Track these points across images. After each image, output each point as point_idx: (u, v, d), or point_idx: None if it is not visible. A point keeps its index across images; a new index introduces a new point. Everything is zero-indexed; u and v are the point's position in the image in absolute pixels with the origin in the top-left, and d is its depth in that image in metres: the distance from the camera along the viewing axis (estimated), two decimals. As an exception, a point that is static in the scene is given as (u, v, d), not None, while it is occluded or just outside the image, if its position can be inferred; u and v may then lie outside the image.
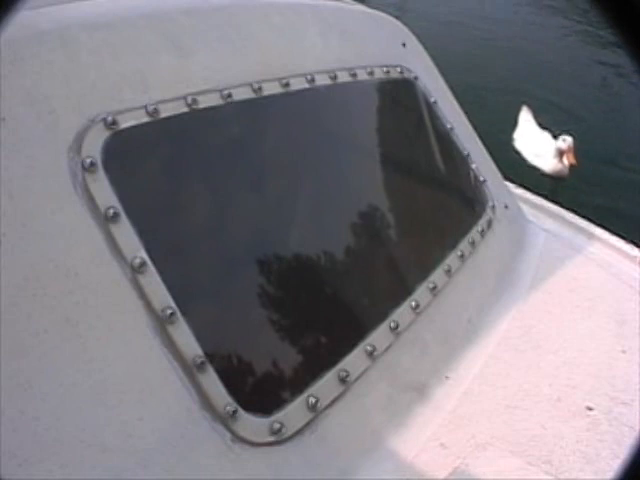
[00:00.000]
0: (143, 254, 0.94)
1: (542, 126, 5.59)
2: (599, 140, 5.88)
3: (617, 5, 0.54)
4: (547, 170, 5.25)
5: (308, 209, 1.33)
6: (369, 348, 1.17)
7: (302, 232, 1.29)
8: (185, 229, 1.08)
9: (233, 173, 1.18)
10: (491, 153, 1.96)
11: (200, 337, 0.95)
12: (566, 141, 5.11)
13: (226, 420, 0.94)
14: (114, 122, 1.00)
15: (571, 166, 5.14)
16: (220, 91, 1.19)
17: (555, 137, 5.30)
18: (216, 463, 0.92)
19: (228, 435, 0.94)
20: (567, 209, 2.19)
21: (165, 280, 0.95)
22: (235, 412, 0.94)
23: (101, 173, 0.95)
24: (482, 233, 1.66)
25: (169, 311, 0.93)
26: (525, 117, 5.74)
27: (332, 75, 1.47)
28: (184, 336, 0.94)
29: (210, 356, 0.95)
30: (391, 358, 1.22)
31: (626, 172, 5.43)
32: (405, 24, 1.87)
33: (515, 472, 1.10)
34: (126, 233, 0.94)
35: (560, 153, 5.13)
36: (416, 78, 1.75)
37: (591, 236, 2.03)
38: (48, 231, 0.88)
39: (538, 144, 5.39)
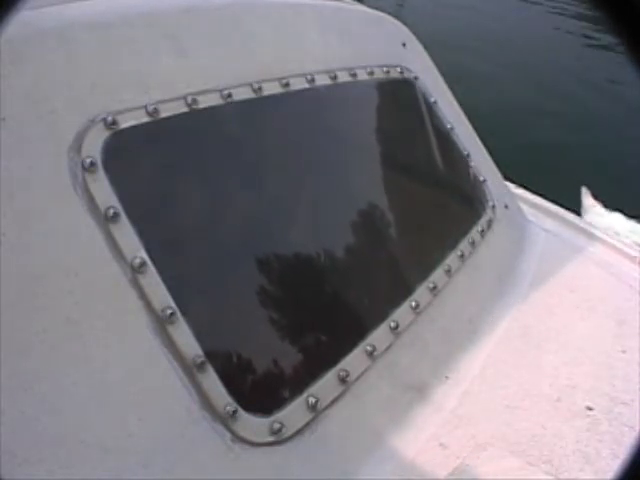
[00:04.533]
0: (143, 254, 0.94)
1: (606, 206, 4.56)
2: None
3: (617, 6, 0.54)
4: None
5: (308, 209, 1.33)
6: (369, 348, 1.17)
7: (302, 232, 1.29)
8: (185, 229, 1.08)
9: (233, 173, 1.18)
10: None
11: (200, 337, 0.95)
12: None
13: (226, 420, 0.93)
14: (114, 122, 1.00)
15: None
16: (220, 91, 1.19)
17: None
18: (216, 463, 0.91)
19: (228, 435, 0.93)
20: (567, 209, 2.19)
21: (165, 280, 0.95)
22: (235, 412, 0.94)
23: (101, 173, 0.95)
24: (482, 233, 1.66)
25: (169, 311, 0.93)
26: (589, 202, 4.64)
27: (332, 75, 1.47)
28: (184, 336, 0.94)
29: (210, 356, 0.95)
30: (391, 358, 1.22)
31: None
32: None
33: (515, 472, 1.10)
34: (126, 233, 0.94)
35: None
36: (416, 78, 1.75)
37: (591, 236, 2.03)
38: (48, 231, 0.88)
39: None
